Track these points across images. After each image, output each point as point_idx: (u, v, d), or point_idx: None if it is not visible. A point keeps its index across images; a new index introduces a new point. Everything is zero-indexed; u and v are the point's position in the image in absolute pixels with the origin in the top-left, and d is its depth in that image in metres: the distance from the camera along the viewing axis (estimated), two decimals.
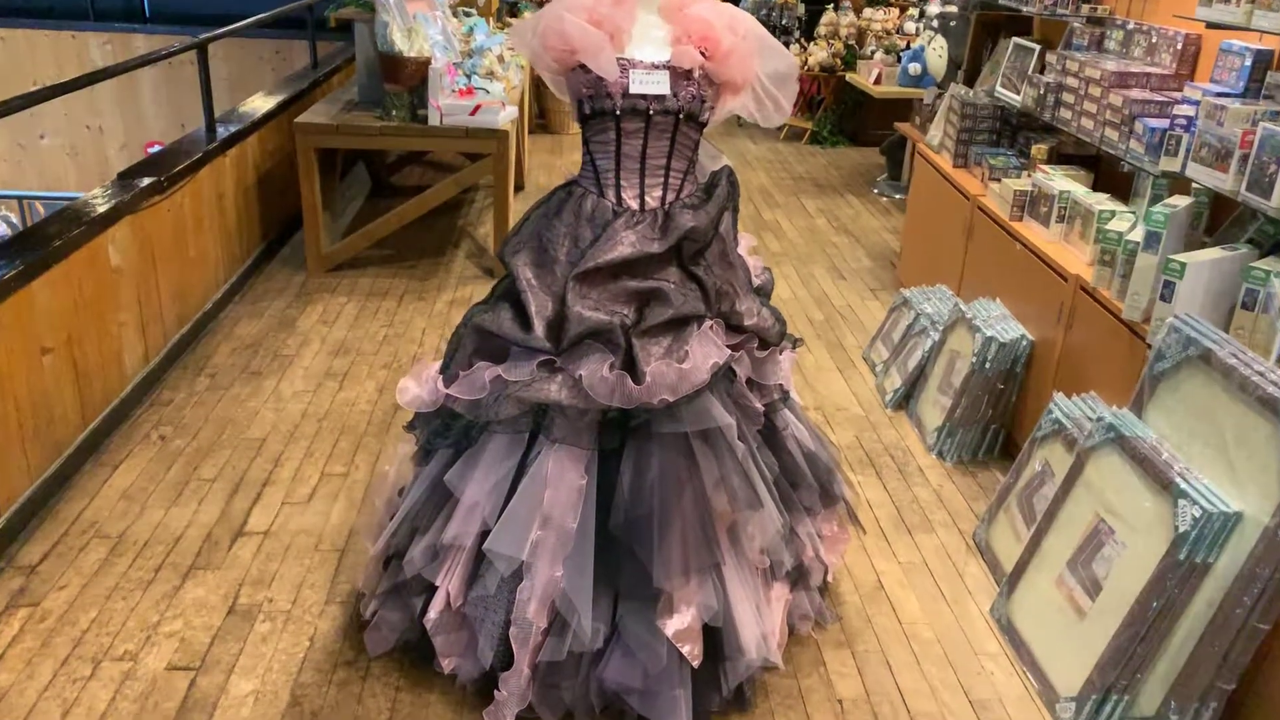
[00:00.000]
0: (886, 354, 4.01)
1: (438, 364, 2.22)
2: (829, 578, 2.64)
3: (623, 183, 2.12)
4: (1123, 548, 2.30)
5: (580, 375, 2.00)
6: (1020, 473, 2.90)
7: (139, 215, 3.51)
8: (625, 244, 2.04)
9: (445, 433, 2.16)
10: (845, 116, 8.05)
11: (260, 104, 5.05)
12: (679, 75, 2.08)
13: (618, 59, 2.06)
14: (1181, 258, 2.48)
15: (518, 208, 5.41)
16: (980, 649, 2.55)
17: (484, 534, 2.11)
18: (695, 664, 2.09)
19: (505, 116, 4.62)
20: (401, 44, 4.52)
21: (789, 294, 4.81)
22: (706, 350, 2.04)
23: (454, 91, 4.62)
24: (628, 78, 2.05)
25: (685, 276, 2.11)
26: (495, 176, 4.69)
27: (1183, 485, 2.17)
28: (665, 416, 2.02)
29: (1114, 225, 2.91)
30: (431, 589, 2.22)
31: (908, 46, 7.27)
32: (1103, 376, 2.85)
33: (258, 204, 4.79)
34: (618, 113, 2.05)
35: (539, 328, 2.05)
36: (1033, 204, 3.43)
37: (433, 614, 2.20)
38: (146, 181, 3.56)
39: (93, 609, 2.53)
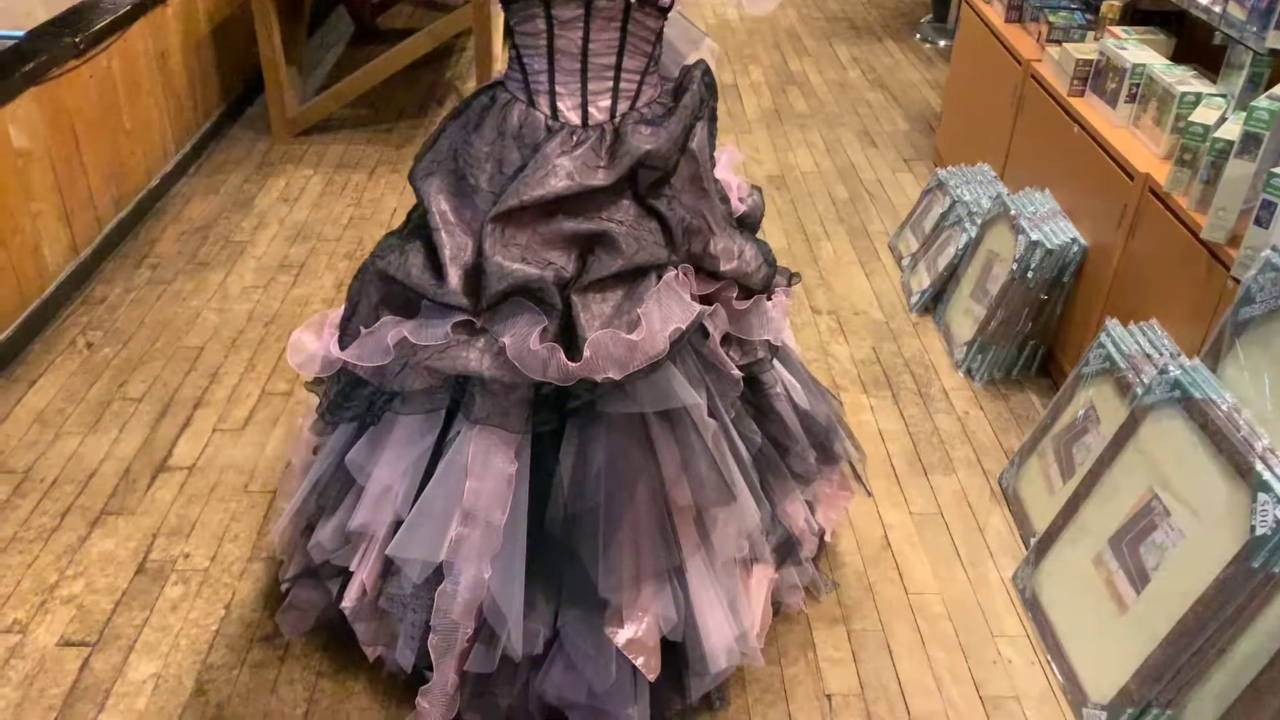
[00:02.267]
0: (916, 245, 3.51)
1: (338, 312, 1.79)
2: (827, 537, 2.27)
3: (559, 89, 1.61)
4: (1180, 536, 1.90)
5: (504, 344, 1.57)
6: (1059, 413, 2.47)
7: (47, 86, 3.02)
8: (559, 175, 1.56)
9: (345, 404, 1.75)
10: None
11: None
12: None
13: None
14: None
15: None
16: (998, 629, 2.19)
17: (399, 523, 1.74)
18: (651, 678, 1.75)
19: None
20: None
21: (811, 165, 4.26)
22: (666, 311, 1.59)
23: None
24: None
25: (642, 212, 1.63)
26: (477, 24, 4.10)
27: (1266, 475, 1.74)
28: (614, 394, 1.60)
29: (1199, 116, 2.35)
30: (349, 573, 1.88)
31: None
32: (1168, 303, 2.37)
33: (214, 60, 4.26)
34: None
35: (454, 278, 1.60)
36: (1097, 77, 2.85)
37: (349, 601, 1.86)
38: (54, 45, 3.06)
39: None
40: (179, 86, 3.94)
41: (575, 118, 1.63)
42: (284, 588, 2.05)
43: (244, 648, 2.07)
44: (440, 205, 1.64)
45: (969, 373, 2.99)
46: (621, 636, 1.71)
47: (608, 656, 1.71)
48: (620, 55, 1.60)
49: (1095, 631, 2.03)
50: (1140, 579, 1.96)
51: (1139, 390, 2.17)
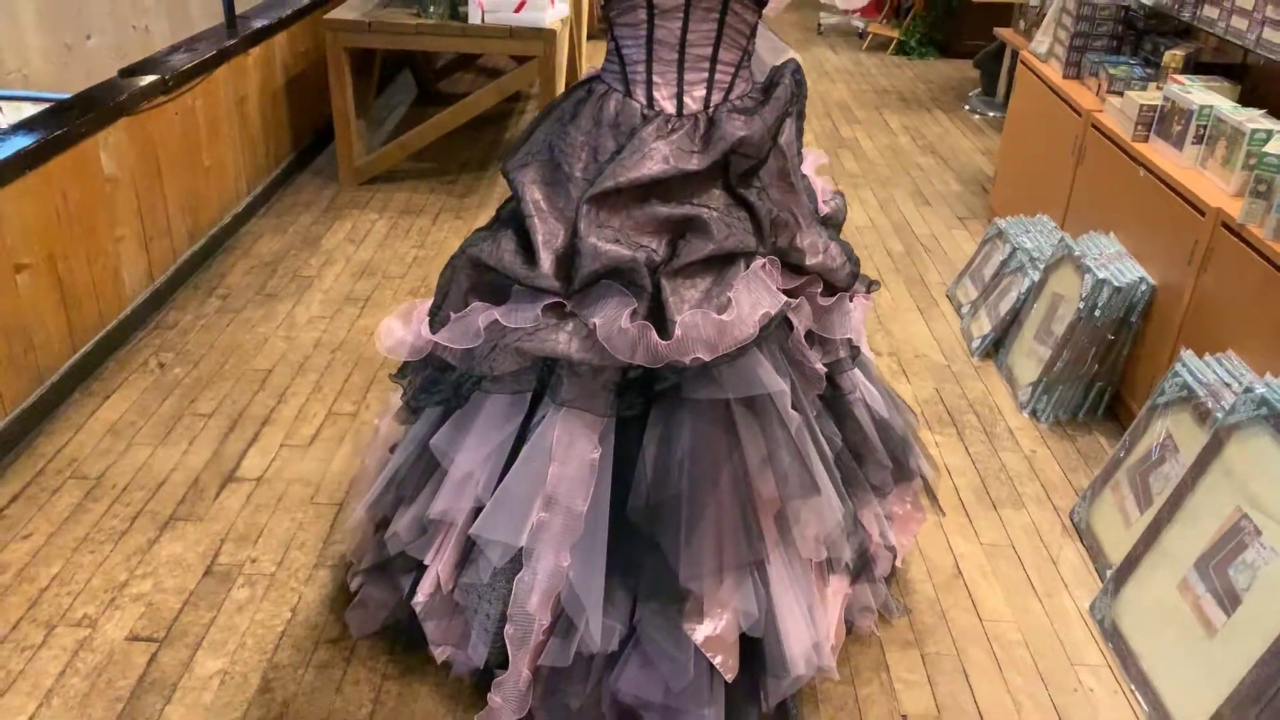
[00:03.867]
0: (975, 293, 3.51)
1: (428, 302, 1.82)
2: (898, 562, 2.23)
3: (655, 79, 1.66)
4: (1273, 554, 1.85)
5: (594, 324, 1.59)
6: (1134, 444, 2.43)
7: (138, 118, 3.15)
8: (655, 158, 1.60)
9: (433, 388, 1.77)
10: (935, 25, 7.34)
11: (286, 3, 4.64)
12: None
13: None
14: None
15: None
16: (1077, 658, 2.13)
17: (478, 510, 1.74)
18: (729, 678, 1.71)
19: (554, 14, 4.15)
20: None
21: (865, 220, 4.30)
22: (756, 297, 1.61)
23: None
24: None
25: (732, 201, 1.66)
26: (541, 81, 4.23)
27: None
28: (700, 379, 1.61)
29: (1273, 148, 2.36)
30: (422, 566, 1.87)
31: None
32: (1246, 334, 2.35)
33: (286, 110, 4.42)
34: None
35: (546, 262, 1.63)
36: (1163, 121, 2.88)
37: (421, 596, 1.85)
38: (147, 80, 3.20)
39: (56, 563, 2.25)
40: (254, 131, 4.08)
41: (670, 107, 1.68)
42: (355, 586, 2.04)
43: (310, 648, 2.06)
44: (534, 194, 1.68)
45: (1034, 414, 2.95)
46: (700, 633, 1.68)
47: (686, 653, 1.68)
48: (716, 47, 1.65)
49: (1182, 658, 1.96)
50: (1230, 601, 1.90)
51: (1219, 412, 2.14)
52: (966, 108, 6.08)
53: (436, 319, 1.73)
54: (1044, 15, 4.11)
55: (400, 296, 3.50)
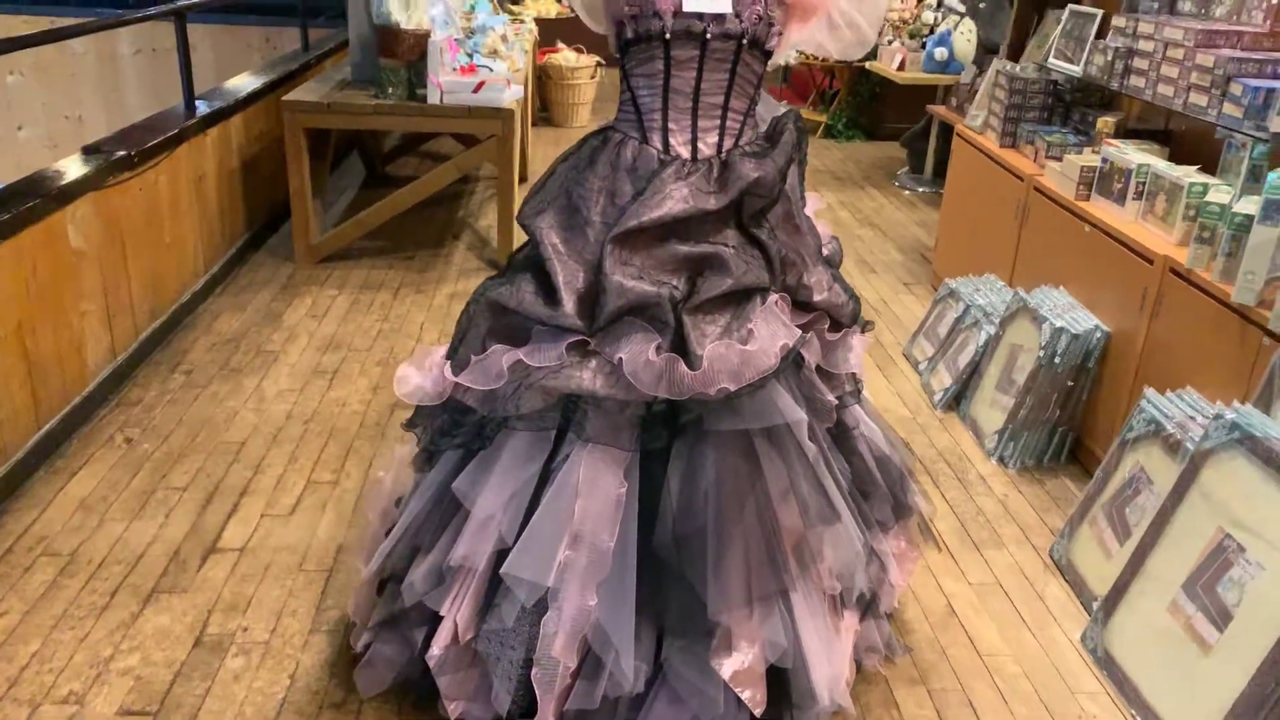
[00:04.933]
0: (931, 350, 3.65)
1: (442, 348, 1.84)
2: (895, 602, 2.27)
3: (671, 125, 1.75)
4: (1258, 569, 1.94)
5: (620, 359, 1.63)
6: (1107, 480, 2.53)
7: (105, 193, 3.13)
8: (676, 198, 1.67)
9: (453, 431, 1.78)
10: (860, 109, 7.70)
11: (245, 82, 4.68)
12: None
13: None
14: None
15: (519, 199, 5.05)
16: (1076, 686, 2.18)
17: (500, 554, 1.74)
18: (758, 712, 1.71)
19: (511, 95, 4.26)
20: (399, 15, 4.16)
21: None
22: (773, 329, 1.67)
23: (455, 69, 4.26)
24: None
25: (745, 240, 1.74)
26: (500, 160, 4.32)
27: None
28: (723, 410, 1.65)
29: (1214, 196, 2.55)
30: (435, 619, 1.84)
31: (931, 32, 6.92)
32: (1201, 370, 2.49)
33: (242, 189, 4.42)
34: (667, 36, 1.67)
35: (568, 302, 1.67)
36: (1103, 180, 3.08)
37: (436, 649, 1.82)
38: (115, 155, 3.19)
39: (34, 640, 2.15)
40: (211, 210, 4.07)
41: (686, 152, 1.75)
42: (361, 645, 1.99)
43: (313, 713, 1.99)
44: (552, 238, 1.73)
45: (1002, 460, 3.06)
46: (728, 667, 1.69)
47: (715, 687, 1.68)
48: (728, 95, 1.74)
49: (1179, 677, 2.03)
50: (1222, 618, 1.98)
51: (1189, 442, 2.25)
52: (896, 184, 6.36)
53: (456, 360, 1.75)
54: (975, 92, 4.37)
55: (368, 369, 3.48)
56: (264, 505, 2.67)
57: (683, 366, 1.60)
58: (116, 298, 3.24)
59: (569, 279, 1.69)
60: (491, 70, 4.31)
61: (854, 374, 1.93)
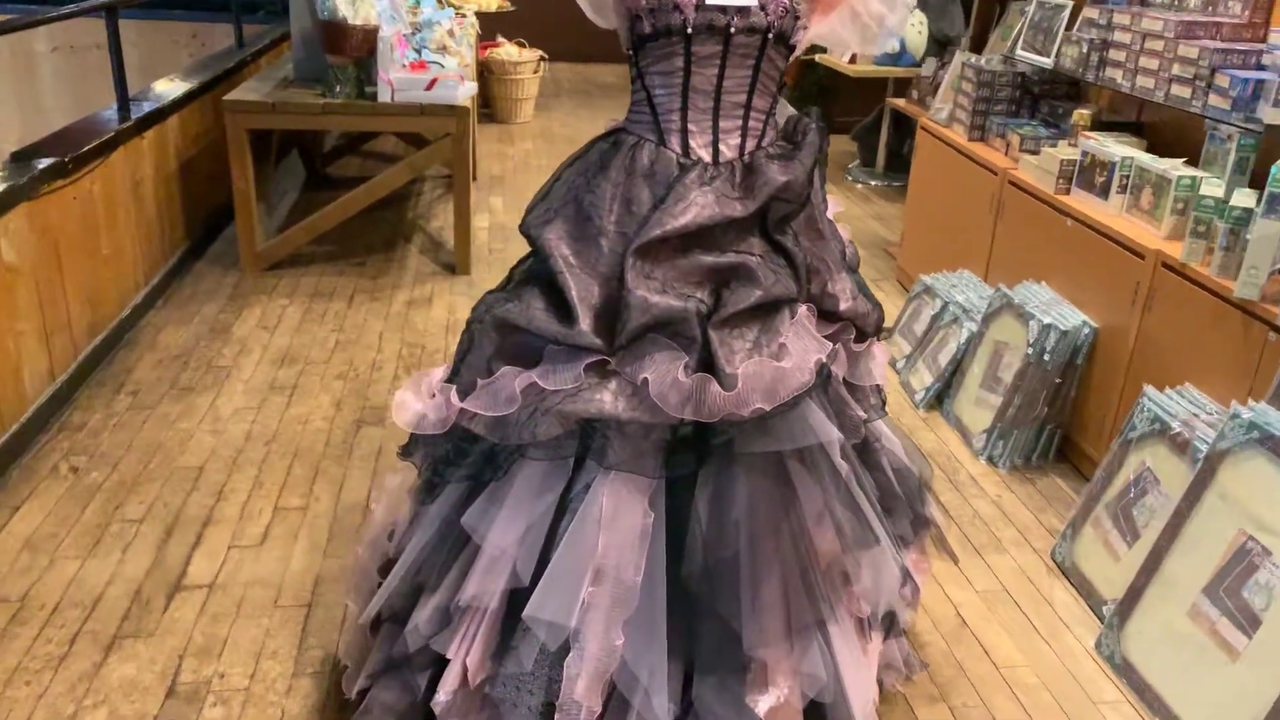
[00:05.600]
0: (909, 348, 3.59)
1: (440, 370, 1.70)
2: (914, 612, 2.19)
3: (690, 126, 1.62)
4: None
5: (645, 380, 1.51)
6: (1110, 480, 2.49)
7: (38, 203, 2.90)
8: (700, 205, 1.55)
9: (459, 460, 1.64)
10: (807, 100, 7.66)
11: (178, 82, 4.43)
12: None
13: None
14: None
15: (473, 199, 4.93)
16: (1097, 696, 2.12)
17: (512, 592, 1.61)
18: None
19: (465, 92, 4.10)
20: (345, 9, 3.97)
21: None
22: (805, 343, 1.57)
23: (405, 65, 4.08)
24: None
25: (770, 248, 1.63)
26: (455, 159, 4.15)
27: None
28: (754, 432, 1.54)
29: (1207, 190, 2.51)
30: (441, 662, 1.70)
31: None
32: (1200, 367, 2.46)
33: (180, 195, 4.18)
34: (689, 31, 1.55)
35: (585, 319, 1.55)
36: (1083, 174, 3.04)
37: (443, 695, 1.68)
38: (47, 162, 2.96)
39: None
40: (149, 217, 3.83)
41: (706, 155, 1.64)
42: (356, 691, 1.84)
43: None
44: (562, 250, 1.60)
45: (991, 460, 3.01)
46: (764, 704, 1.58)
47: None
48: (751, 93, 1.63)
49: (1205, 684, 1.98)
50: (1250, 623, 1.94)
51: (1199, 443, 2.21)
52: (849, 179, 6.33)
53: (461, 385, 1.61)
54: (938, 85, 4.33)
55: (328, 382, 3.30)
56: (230, 536, 2.49)
57: (715, 387, 1.49)
58: (54, 315, 3.01)
59: (584, 294, 1.56)
60: (442, 66, 4.14)
61: (878, 385, 1.84)
